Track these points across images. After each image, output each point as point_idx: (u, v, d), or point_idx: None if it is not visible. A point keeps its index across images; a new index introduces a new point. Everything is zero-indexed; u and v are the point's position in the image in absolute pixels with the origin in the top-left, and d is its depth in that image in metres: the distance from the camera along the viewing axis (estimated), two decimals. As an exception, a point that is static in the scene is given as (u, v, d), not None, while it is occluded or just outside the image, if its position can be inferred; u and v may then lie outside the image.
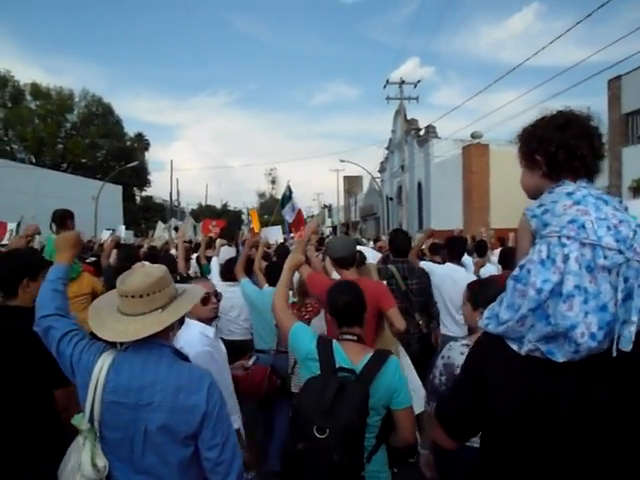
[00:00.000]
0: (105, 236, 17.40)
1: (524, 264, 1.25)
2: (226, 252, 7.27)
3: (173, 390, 1.65)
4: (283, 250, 6.51)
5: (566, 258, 1.16)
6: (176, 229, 11.69)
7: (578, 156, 1.31)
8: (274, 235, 10.35)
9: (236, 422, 2.46)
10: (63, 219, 5.65)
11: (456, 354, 2.35)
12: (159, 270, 1.78)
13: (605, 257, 1.13)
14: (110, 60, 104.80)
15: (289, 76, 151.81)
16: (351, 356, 2.17)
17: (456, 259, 5.19)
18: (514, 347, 1.25)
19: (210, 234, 9.49)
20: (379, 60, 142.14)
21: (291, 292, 4.10)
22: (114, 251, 5.41)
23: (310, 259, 3.75)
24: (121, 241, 10.11)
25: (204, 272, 5.66)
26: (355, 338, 2.26)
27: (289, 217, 10.18)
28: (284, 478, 2.08)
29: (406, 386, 2.21)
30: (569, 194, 1.25)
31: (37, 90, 38.71)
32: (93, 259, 6.66)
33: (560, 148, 1.31)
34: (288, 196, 10.32)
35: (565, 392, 1.19)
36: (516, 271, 1.28)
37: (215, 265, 5.58)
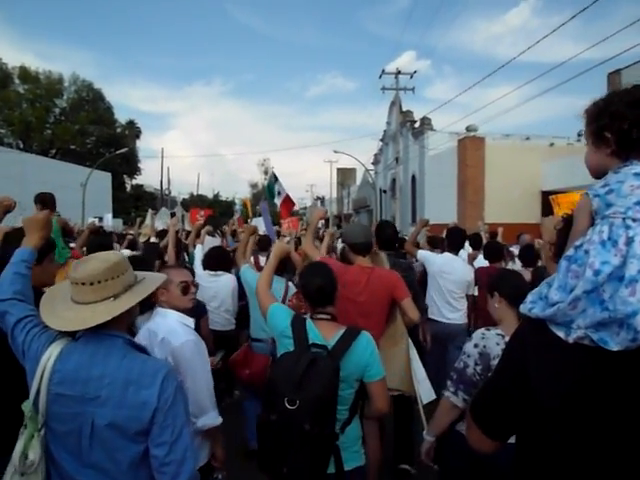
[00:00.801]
0: (97, 222, 17.16)
1: (580, 244, 1.20)
2: (209, 242, 7.12)
3: (122, 384, 1.58)
4: (265, 241, 6.47)
5: (630, 241, 1.11)
6: (173, 214, 11.43)
7: None
8: (260, 226, 10.12)
9: (212, 419, 2.36)
10: (45, 202, 5.34)
11: (492, 344, 2.30)
12: (115, 256, 1.72)
13: None
14: (104, 48, 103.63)
15: (285, 67, 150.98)
16: (324, 333, 2.26)
17: (455, 250, 5.29)
18: (560, 334, 1.18)
19: (198, 224, 9.29)
20: (375, 53, 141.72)
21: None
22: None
23: (303, 248, 3.73)
24: (106, 229, 9.78)
25: (191, 261, 5.57)
26: (328, 317, 2.34)
27: (277, 201, 9.91)
28: (262, 444, 2.16)
29: (378, 360, 2.29)
30: (637, 174, 1.20)
31: (25, 74, 37.97)
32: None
33: (634, 126, 1.24)
34: (273, 182, 10.04)
35: (619, 382, 1.12)
36: (570, 251, 1.22)
37: (199, 253, 5.50)
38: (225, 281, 4.74)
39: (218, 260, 4.78)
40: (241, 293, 4.79)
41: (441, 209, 21.83)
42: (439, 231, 12.20)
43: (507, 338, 2.23)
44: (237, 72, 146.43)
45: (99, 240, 5.21)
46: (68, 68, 61.20)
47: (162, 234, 7.55)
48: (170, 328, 2.43)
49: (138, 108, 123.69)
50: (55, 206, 5.39)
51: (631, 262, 1.09)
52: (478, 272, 5.25)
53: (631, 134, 1.25)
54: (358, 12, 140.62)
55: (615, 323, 1.09)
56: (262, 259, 5.99)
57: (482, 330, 2.41)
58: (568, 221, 1.45)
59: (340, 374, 2.12)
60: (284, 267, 4.06)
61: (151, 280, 1.83)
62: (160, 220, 13.08)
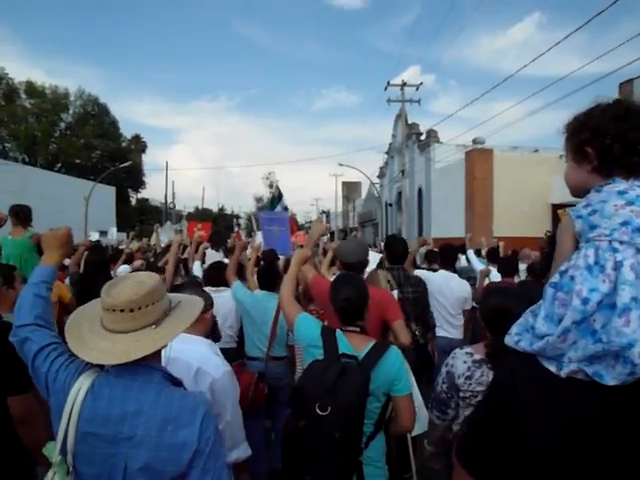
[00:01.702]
0: (95, 237, 16.90)
1: (565, 270, 1.14)
2: (211, 256, 6.94)
3: (160, 422, 1.42)
4: (270, 255, 6.17)
5: (619, 265, 1.05)
6: (180, 231, 11.21)
7: (637, 151, 1.18)
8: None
9: (244, 451, 2.28)
10: (17, 215, 5.01)
11: (459, 362, 2.32)
12: (152, 279, 1.54)
13: None
14: (111, 63, 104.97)
15: (289, 82, 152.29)
16: (354, 344, 2.24)
17: (450, 266, 5.34)
18: (551, 368, 1.11)
19: (197, 236, 9.00)
20: (379, 67, 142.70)
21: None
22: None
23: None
24: (110, 243, 9.45)
25: (190, 276, 5.37)
26: (358, 329, 2.32)
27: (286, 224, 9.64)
28: (287, 455, 2.10)
29: (406, 374, 2.27)
30: (621, 193, 1.14)
31: (32, 88, 38.21)
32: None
33: (617, 141, 1.18)
34: (277, 197, 9.73)
35: (617, 420, 1.04)
36: (556, 277, 1.16)
37: (198, 269, 5.32)
38: (227, 297, 4.43)
39: (220, 275, 4.52)
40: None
41: (448, 223, 21.47)
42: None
43: (476, 356, 2.28)
44: (243, 87, 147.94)
45: (96, 257, 4.95)
46: (76, 84, 61.88)
47: (167, 249, 7.34)
48: (205, 357, 2.25)
49: (144, 123, 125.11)
50: (30, 219, 5.12)
51: (622, 289, 1.02)
52: (489, 288, 5.09)
53: (613, 150, 1.17)
54: (362, 27, 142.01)
55: (609, 355, 1.02)
56: None
57: (456, 349, 2.43)
58: (552, 242, 1.35)
59: (369, 386, 2.10)
60: (276, 282, 3.89)
61: (190, 305, 1.67)
62: (165, 234, 12.88)
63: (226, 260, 6.68)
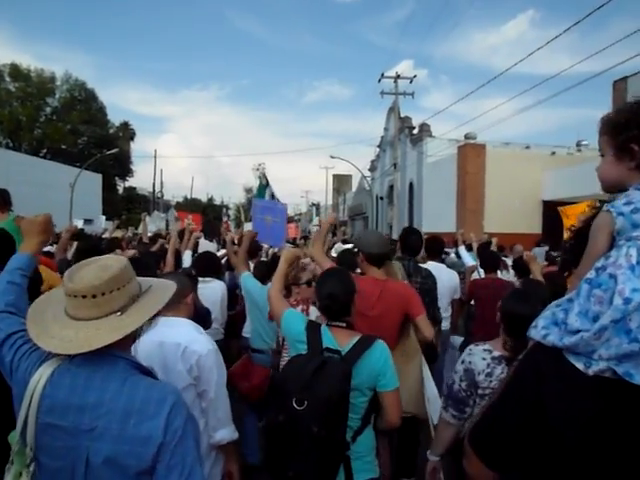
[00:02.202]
0: (78, 226, 16.51)
1: (602, 267, 1.13)
2: (205, 247, 6.76)
3: (122, 414, 1.34)
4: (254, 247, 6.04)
5: None
6: (177, 219, 10.96)
7: None
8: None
9: (230, 433, 2.28)
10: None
11: (477, 359, 2.28)
12: (118, 262, 1.48)
13: None
14: (102, 50, 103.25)
15: (281, 73, 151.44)
16: (339, 339, 2.22)
17: (436, 257, 5.33)
18: (579, 365, 1.10)
19: (189, 225, 8.78)
20: (372, 61, 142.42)
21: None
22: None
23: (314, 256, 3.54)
24: (98, 232, 9.14)
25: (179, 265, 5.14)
26: (344, 325, 2.29)
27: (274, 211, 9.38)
28: (266, 451, 2.09)
29: (392, 369, 2.23)
30: None
31: (17, 71, 37.16)
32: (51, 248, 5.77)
33: None
34: (265, 185, 9.42)
35: None
36: (591, 274, 1.15)
37: (188, 258, 5.19)
38: (213, 288, 4.32)
39: (207, 265, 4.41)
40: (230, 302, 4.63)
41: (439, 217, 21.41)
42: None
43: (495, 353, 2.25)
44: (234, 77, 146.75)
45: (88, 244, 4.71)
46: (65, 69, 60.51)
47: (154, 239, 7.11)
48: (191, 337, 2.28)
49: (134, 110, 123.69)
50: (10, 202, 4.81)
51: None
52: (474, 284, 5.21)
53: None
54: (356, 20, 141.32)
55: None
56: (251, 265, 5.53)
57: (471, 346, 2.38)
58: (579, 236, 1.34)
59: (352, 381, 2.07)
60: (270, 275, 3.80)
61: (160, 289, 1.57)
62: (152, 224, 12.58)
63: (222, 251, 6.52)
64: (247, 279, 4.06)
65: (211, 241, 7.46)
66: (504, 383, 1.35)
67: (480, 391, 2.25)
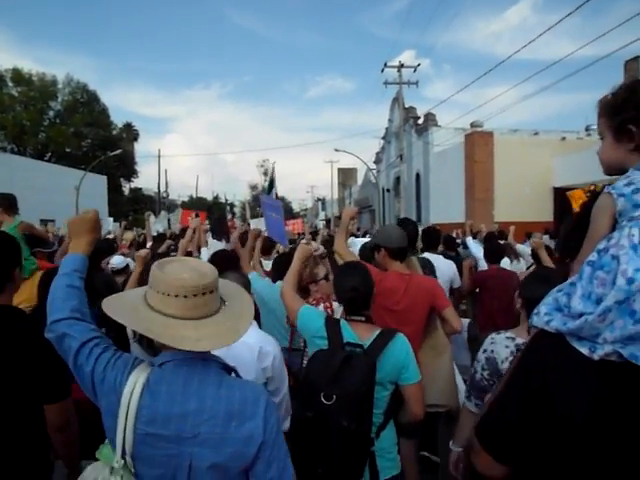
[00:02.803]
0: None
1: (605, 248, 1.12)
2: (214, 246, 6.49)
3: (224, 418, 1.33)
4: (268, 244, 5.87)
5: None
6: (197, 215, 10.79)
7: None
8: (262, 226, 9.37)
9: (289, 423, 2.32)
10: (2, 205, 4.67)
11: (500, 348, 2.24)
12: (195, 260, 1.56)
13: None
14: (103, 52, 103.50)
15: (283, 69, 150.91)
16: (359, 333, 2.20)
17: (432, 249, 5.24)
18: (583, 350, 1.08)
19: (197, 223, 8.56)
20: (374, 53, 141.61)
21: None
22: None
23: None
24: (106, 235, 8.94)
25: None
26: (363, 319, 2.27)
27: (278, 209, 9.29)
28: (294, 446, 1.98)
29: (414, 362, 2.23)
30: None
31: (19, 76, 37.15)
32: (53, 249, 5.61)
33: None
34: (270, 184, 9.32)
35: None
36: (593, 256, 1.14)
37: (205, 256, 5.07)
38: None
39: (224, 264, 4.13)
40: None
41: (447, 208, 21.11)
42: (446, 231, 11.58)
43: (519, 340, 2.19)
44: (236, 74, 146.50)
45: (101, 245, 4.51)
46: (66, 72, 60.60)
47: (159, 239, 6.94)
48: (262, 337, 2.34)
49: (137, 112, 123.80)
50: (15, 207, 4.72)
51: None
52: (479, 275, 5.20)
53: None
54: (356, 13, 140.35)
55: None
56: (265, 263, 5.34)
57: (492, 334, 2.34)
58: (580, 219, 1.31)
59: (375, 375, 2.05)
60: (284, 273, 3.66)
61: (230, 285, 1.62)
62: (159, 223, 12.42)
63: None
64: (255, 279, 3.94)
65: (220, 240, 7.23)
66: (508, 373, 1.32)
67: None
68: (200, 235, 5.38)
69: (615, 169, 1.26)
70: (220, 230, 7.49)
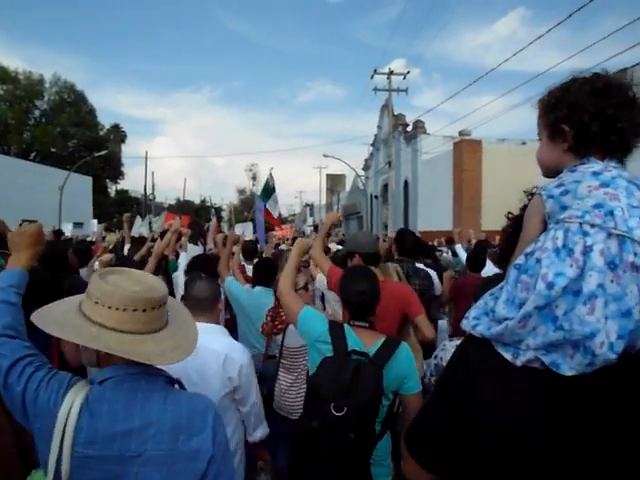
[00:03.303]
0: (68, 229, 16.02)
1: (531, 252, 1.09)
2: (192, 250, 6.26)
3: (170, 432, 1.28)
4: (252, 249, 5.81)
5: (588, 250, 1.00)
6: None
7: (616, 129, 1.12)
8: (247, 231, 9.20)
9: (265, 428, 2.43)
10: None
11: (448, 355, 2.22)
12: (141, 273, 1.48)
13: (635, 254, 0.97)
14: (92, 53, 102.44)
15: (273, 74, 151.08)
16: (364, 340, 2.17)
17: (414, 257, 5.08)
18: (507, 356, 1.06)
19: (177, 226, 8.32)
20: (364, 60, 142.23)
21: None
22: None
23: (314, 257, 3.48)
24: (92, 237, 8.69)
25: (170, 269, 5.00)
26: (367, 325, 2.25)
27: (274, 210, 9.19)
28: (294, 456, 2.05)
29: (416, 372, 2.21)
30: (595, 174, 1.09)
31: (4, 74, 36.60)
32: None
33: (595, 118, 1.12)
34: (272, 187, 9.22)
35: (571, 411, 1.00)
36: (520, 259, 1.10)
37: (183, 261, 4.96)
38: None
39: (203, 269, 4.00)
40: (226, 306, 4.42)
41: (435, 215, 21.14)
42: (433, 238, 11.53)
43: None
44: (226, 79, 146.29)
45: (54, 249, 4.29)
46: (54, 71, 59.63)
47: (138, 241, 6.77)
48: (230, 345, 2.31)
49: (126, 114, 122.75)
50: None
51: (589, 275, 0.98)
52: (456, 283, 5.18)
53: (591, 127, 1.12)
54: (347, 20, 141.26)
55: (569, 344, 0.99)
56: (248, 268, 5.25)
57: (445, 341, 2.33)
58: (517, 222, 1.27)
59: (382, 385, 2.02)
60: (272, 277, 3.82)
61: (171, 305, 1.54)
62: (144, 227, 12.18)
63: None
64: (232, 284, 3.90)
65: (196, 244, 7.02)
66: (437, 380, 1.28)
67: None
68: (173, 239, 5.15)
69: (552, 170, 1.22)
70: (197, 233, 7.30)
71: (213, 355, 2.17)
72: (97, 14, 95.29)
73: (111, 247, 7.63)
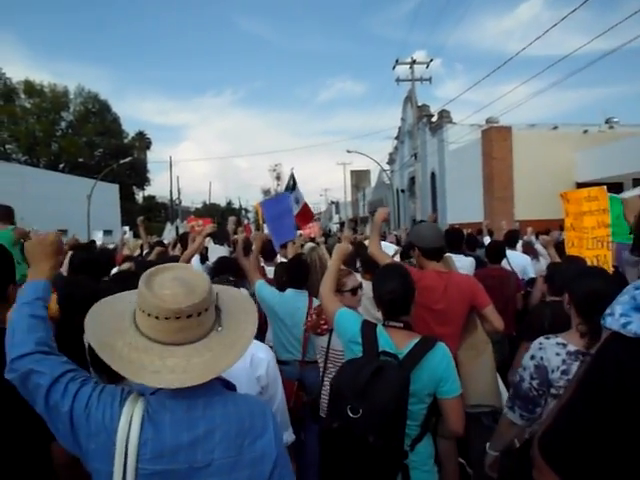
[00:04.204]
0: (98, 237, 16.11)
1: None
2: (215, 251, 6.14)
3: (235, 438, 1.22)
4: (271, 250, 5.53)
5: None
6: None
7: None
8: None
9: (291, 434, 2.30)
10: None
11: (551, 355, 2.07)
12: (189, 271, 1.32)
13: None
14: (114, 63, 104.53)
15: (294, 74, 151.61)
16: (396, 341, 2.12)
17: (455, 249, 4.95)
18: None
19: (193, 227, 8.04)
20: (384, 55, 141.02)
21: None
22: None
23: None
24: (120, 244, 8.56)
25: None
26: (401, 325, 2.18)
27: (294, 209, 8.88)
28: (321, 459, 2.01)
29: (454, 375, 2.11)
30: None
31: (31, 88, 37.61)
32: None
33: None
34: (292, 186, 8.90)
35: None
36: None
37: (196, 264, 4.85)
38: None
39: (230, 270, 3.83)
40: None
41: (465, 207, 20.47)
42: (475, 231, 11.01)
43: (570, 347, 2.07)
44: (247, 80, 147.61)
45: (85, 256, 4.08)
46: (78, 82, 60.87)
47: (156, 245, 6.59)
48: (253, 344, 2.14)
49: (151, 121, 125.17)
50: (11, 216, 4.90)
51: None
52: (477, 274, 4.92)
53: None
54: (364, 16, 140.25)
55: None
56: (268, 270, 4.93)
57: (540, 339, 2.18)
58: None
59: (411, 387, 1.94)
60: (306, 278, 3.63)
61: (224, 292, 1.39)
62: (173, 232, 12.15)
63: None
64: (261, 288, 3.61)
65: (222, 245, 6.78)
66: (576, 381, 1.18)
67: (554, 390, 2.05)
68: (191, 239, 4.81)
69: None
70: (221, 235, 7.03)
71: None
72: (117, 25, 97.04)
73: (136, 254, 7.45)
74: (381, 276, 2.32)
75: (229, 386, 1.37)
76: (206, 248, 5.93)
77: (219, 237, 6.81)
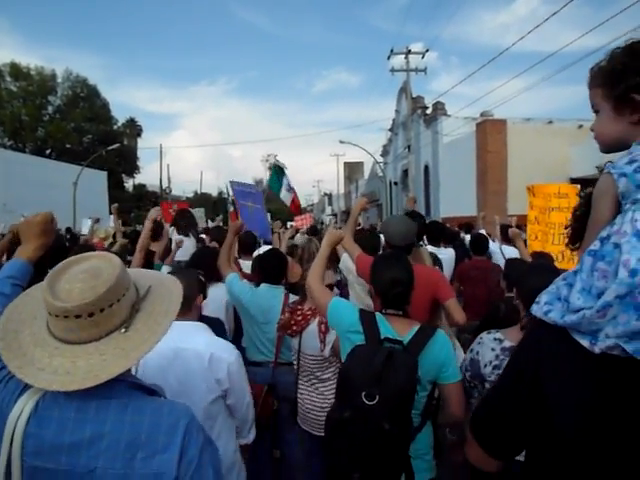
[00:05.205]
0: (86, 225, 15.64)
1: (607, 236, 1.02)
2: (186, 245, 5.58)
3: (126, 448, 1.10)
4: (250, 237, 5.20)
5: None
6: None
7: None
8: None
9: (254, 432, 2.31)
10: None
11: (485, 349, 2.17)
12: (110, 265, 1.20)
13: None
14: (108, 50, 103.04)
15: (288, 64, 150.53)
16: (397, 328, 2.11)
17: (436, 242, 5.29)
18: (584, 343, 1.01)
19: (154, 214, 7.58)
20: (379, 47, 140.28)
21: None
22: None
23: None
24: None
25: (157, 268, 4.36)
26: (400, 313, 2.17)
27: (286, 199, 8.53)
28: (328, 448, 1.97)
29: (455, 360, 2.16)
30: None
31: (17, 71, 36.61)
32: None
33: None
34: (280, 174, 8.53)
35: None
36: (595, 245, 1.04)
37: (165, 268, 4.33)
38: (215, 292, 3.54)
39: (207, 266, 3.52)
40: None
41: (458, 201, 20.29)
42: (453, 225, 10.77)
43: (506, 343, 2.14)
44: (241, 70, 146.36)
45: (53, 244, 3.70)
46: (66, 66, 59.67)
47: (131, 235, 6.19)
48: (213, 342, 2.14)
49: (143, 109, 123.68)
50: None
51: None
52: (462, 266, 5.25)
53: None
54: (361, 8, 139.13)
55: None
56: (245, 264, 4.53)
57: (483, 334, 2.26)
58: (588, 202, 1.18)
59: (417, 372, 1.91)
60: (283, 273, 3.42)
61: (163, 289, 1.31)
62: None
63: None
64: (232, 282, 3.32)
65: (186, 235, 6.10)
66: (506, 365, 1.25)
67: (487, 384, 2.13)
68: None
69: (615, 146, 1.15)
70: (186, 224, 6.33)
71: (195, 357, 2.03)
72: (111, 10, 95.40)
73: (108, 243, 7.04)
74: (381, 264, 2.28)
75: (147, 390, 1.24)
76: (170, 239, 5.40)
77: (182, 227, 6.19)
